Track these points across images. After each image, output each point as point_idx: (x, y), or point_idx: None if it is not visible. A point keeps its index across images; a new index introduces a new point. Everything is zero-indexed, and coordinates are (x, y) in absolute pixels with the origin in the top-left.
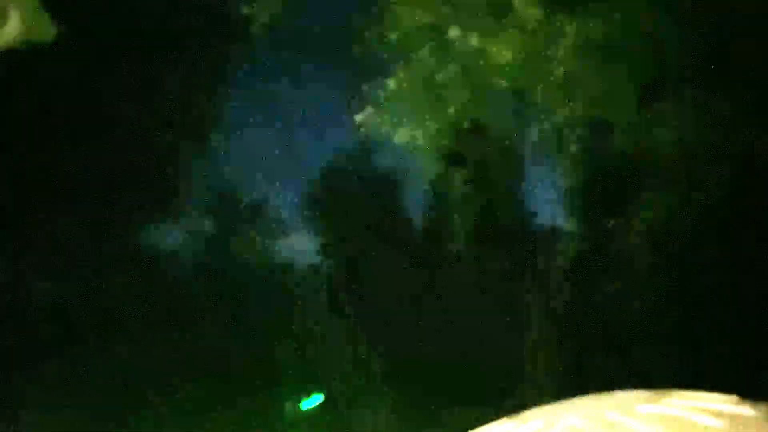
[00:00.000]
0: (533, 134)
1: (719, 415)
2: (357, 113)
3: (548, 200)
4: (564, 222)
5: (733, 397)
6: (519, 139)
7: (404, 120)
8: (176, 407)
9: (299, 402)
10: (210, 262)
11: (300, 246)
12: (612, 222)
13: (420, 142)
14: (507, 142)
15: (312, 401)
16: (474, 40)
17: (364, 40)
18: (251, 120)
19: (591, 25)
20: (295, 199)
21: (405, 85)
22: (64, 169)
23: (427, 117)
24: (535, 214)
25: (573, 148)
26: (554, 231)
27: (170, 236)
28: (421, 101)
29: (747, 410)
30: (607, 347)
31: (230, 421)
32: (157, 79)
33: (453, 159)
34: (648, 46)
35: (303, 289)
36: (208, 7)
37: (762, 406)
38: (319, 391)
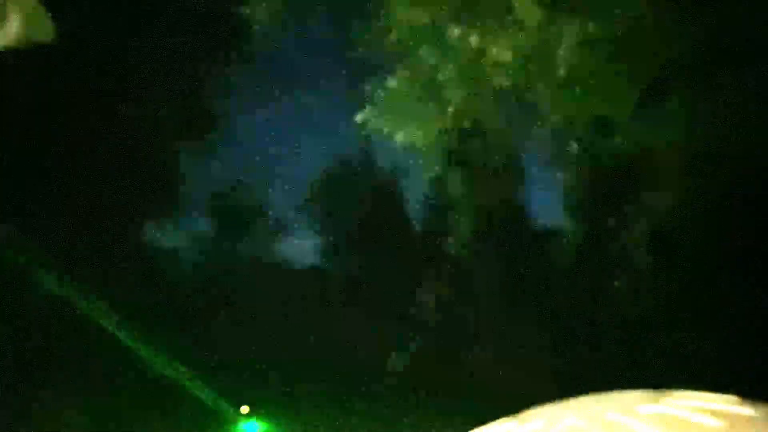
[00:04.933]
0: (533, 134)
1: (719, 415)
2: (357, 113)
3: (548, 200)
4: (564, 222)
5: (733, 397)
6: (519, 139)
7: (404, 120)
8: (176, 406)
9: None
10: (210, 262)
11: (300, 246)
12: (612, 222)
13: (420, 142)
14: (507, 142)
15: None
16: (474, 40)
17: (364, 40)
18: (251, 120)
19: (591, 24)
20: (295, 199)
21: (405, 85)
22: (63, 168)
23: (427, 117)
24: (535, 213)
25: (573, 147)
26: (554, 231)
27: (170, 236)
28: (421, 101)
29: (747, 410)
30: (608, 347)
31: (232, 420)
32: (157, 79)
33: (453, 159)
34: (648, 46)
35: (303, 289)
36: (207, 7)
37: (762, 406)
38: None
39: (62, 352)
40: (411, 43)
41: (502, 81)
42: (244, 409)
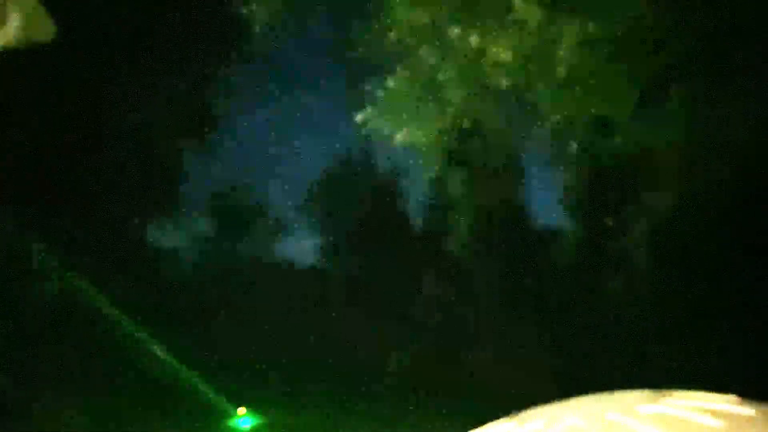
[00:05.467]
0: (533, 134)
1: (719, 415)
2: (357, 113)
3: (548, 200)
4: (564, 222)
5: (733, 397)
6: (519, 139)
7: (404, 120)
8: (176, 406)
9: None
10: (210, 262)
11: (300, 246)
12: (612, 222)
13: (420, 142)
14: (507, 142)
15: (244, 422)
16: (474, 40)
17: (364, 40)
18: (251, 120)
19: (591, 24)
20: (295, 199)
21: (405, 85)
22: (63, 169)
23: (427, 117)
24: (535, 213)
25: (573, 148)
26: (554, 231)
27: (170, 236)
28: (421, 101)
29: (747, 410)
30: (607, 347)
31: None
32: (157, 79)
33: (453, 159)
34: (648, 46)
35: (303, 289)
36: (208, 7)
37: (762, 406)
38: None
39: (62, 352)
40: (411, 43)
41: (502, 81)
42: (241, 410)
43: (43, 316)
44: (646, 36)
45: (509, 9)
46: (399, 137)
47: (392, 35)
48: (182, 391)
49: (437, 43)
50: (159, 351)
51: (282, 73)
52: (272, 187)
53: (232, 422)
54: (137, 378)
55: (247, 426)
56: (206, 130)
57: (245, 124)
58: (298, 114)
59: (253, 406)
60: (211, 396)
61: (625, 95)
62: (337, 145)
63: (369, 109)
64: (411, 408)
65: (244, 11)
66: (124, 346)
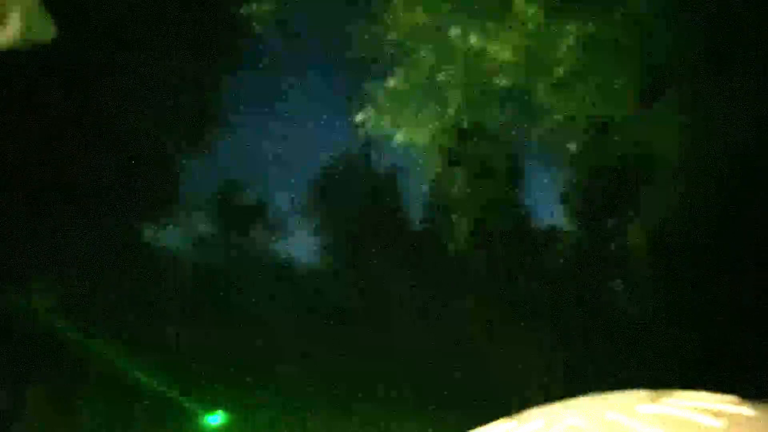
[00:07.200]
0: (533, 134)
1: (719, 415)
2: (357, 113)
3: (548, 200)
4: (564, 222)
5: (733, 397)
6: (519, 139)
7: (404, 120)
8: (175, 409)
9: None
10: (210, 262)
11: (300, 246)
12: (611, 222)
13: (420, 142)
14: (507, 142)
15: (215, 418)
16: (474, 40)
17: (364, 40)
18: (251, 120)
19: (591, 25)
20: (295, 199)
21: (405, 85)
22: (63, 168)
23: (427, 117)
24: (535, 213)
25: (573, 148)
26: (554, 231)
27: (170, 236)
28: (421, 101)
29: (747, 410)
30: (607, 347)
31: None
32: (157, 79)
33: (453, 159)
34: (648, 46)
35: (302, 288)
36: (208, 8)
37: (762, 406)
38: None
39: (59, 352)
40: (411, 43)
41: (502, 81)
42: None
43: (38, 316)
44: (646, 36)
45: (509, 9)
46: (399, 137)
47: (392, 35)
48: (174, 391)
49: (437, 43)
50: (156, 350)
51: (281, 74)
52: (272, 187)
53: (205, 420)
54: (136, 378)
55: (216, 423)
56: (206, 130)
57: (245, 124)
58: (298, 114)
59: (250, 405)
60: (201, 395)
61: (625, 95)
62: (337, 145)
63: (369, 109)
64: (411, 408)
65: (244, 12)
66: (123, 345)
